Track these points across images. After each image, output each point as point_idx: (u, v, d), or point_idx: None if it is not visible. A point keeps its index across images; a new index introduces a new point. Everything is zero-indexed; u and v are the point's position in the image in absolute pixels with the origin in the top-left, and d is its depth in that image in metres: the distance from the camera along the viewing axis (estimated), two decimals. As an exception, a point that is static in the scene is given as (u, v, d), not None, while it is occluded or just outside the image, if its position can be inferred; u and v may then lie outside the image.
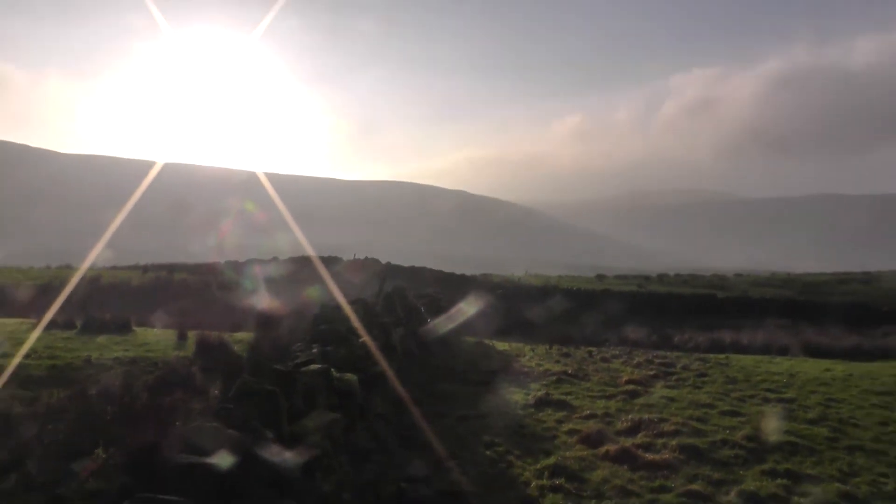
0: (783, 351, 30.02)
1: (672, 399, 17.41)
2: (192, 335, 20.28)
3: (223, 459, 6.14)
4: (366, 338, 14.47)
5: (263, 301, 37.09)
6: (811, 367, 23.12)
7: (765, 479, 11.57)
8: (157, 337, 21.44)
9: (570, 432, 14.08)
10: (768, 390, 18.89)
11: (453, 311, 26.77)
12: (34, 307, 27.11)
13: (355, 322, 15.69)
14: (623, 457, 12.39)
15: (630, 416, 15.28)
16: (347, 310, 16.85)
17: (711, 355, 26.27)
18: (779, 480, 11.47)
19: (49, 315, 21.43)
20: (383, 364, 14.03)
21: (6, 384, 12.24)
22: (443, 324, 25.01)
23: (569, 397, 17.25)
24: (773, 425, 14.78)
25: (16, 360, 14.84)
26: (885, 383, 20.21)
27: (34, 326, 21.26)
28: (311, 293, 35.20)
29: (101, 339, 19.97)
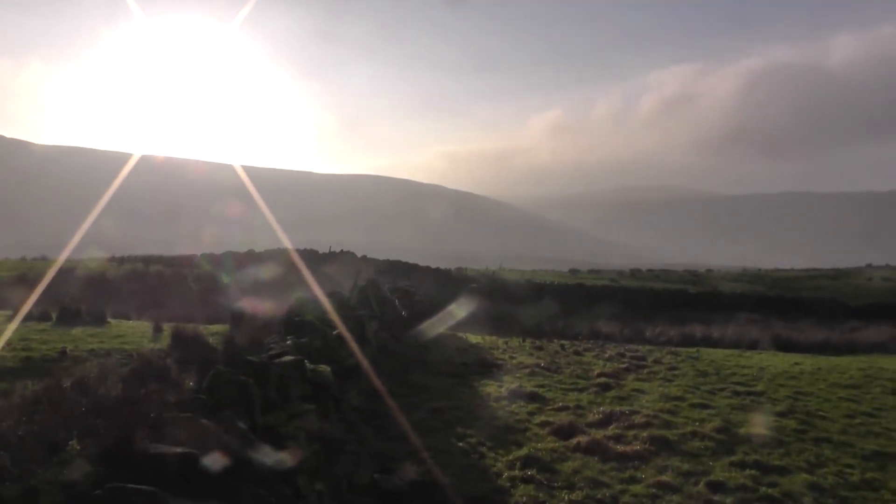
0: (753, 345, 30.33)
1: (643, 392, 17.61)
2: (167, 327, 20.30)
3: (197, 450, 6.22)
4: (341, 329, 14.55)
5: (239, 293, 37.05)
6: (780, 361, 23.40)
7: (733, 470, 11.78)
8: (132, 329, 21.42)
9: (542, 424, 14.24)
10: (738, 384, 19.13)
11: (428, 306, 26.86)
12: (9, 299, 26.99)
13: (331, 314, 15.76)
14: (594, 448, 12.56)
15: (601, 409, 15.47)
16: (323, 302, 16.92)
17: (682, 349, 26.51)
18: (747, 471, 11.69)
19: (25, 307, 21.36)
20: (358, 356, 14.12)
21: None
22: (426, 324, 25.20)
23: (541, 390, 17.41)
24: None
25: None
26: (852, 377, 20.51)
27: (9, 318, 21.18)
28: (288, 287, 35.18)
29: (77, 331, 19.94)
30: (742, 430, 14.18)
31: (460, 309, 27.75)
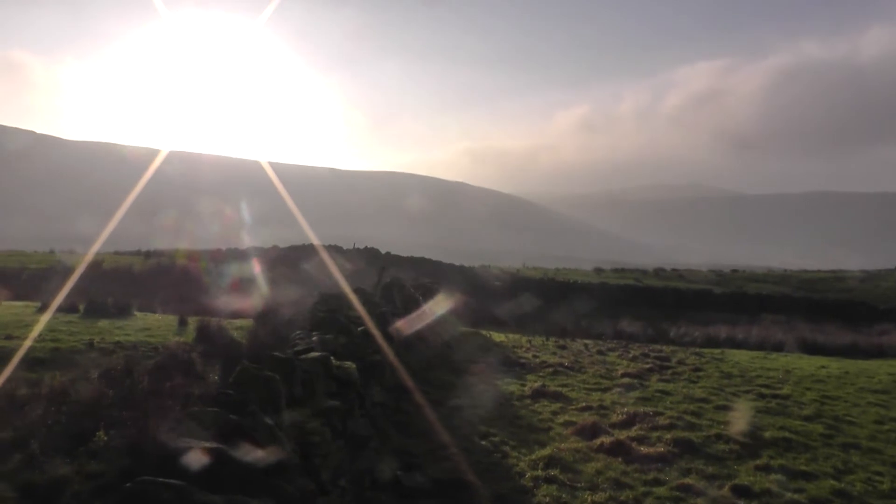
0: (778, 347, 30.11)
1: (667, 393, 17.54)
2: (192, 321, 20.44)
3: (223, 445, 6.25)
4: (366, 325, 14.58)
5: (262, 288, 37.20)
6: (807, 364, 23.23)
7: (759, 474, 11.65)
8: (157, 322, 21.57)
9: (566, 424, 14.21)
10: (763, 386, 19.01)
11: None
12: (38, 291, 27.27)
13: (356, 310, 15.80)
14: (617, 449, 12.49)
15: (625, 409, 15.39)
16: (349, 297, 16.96)
17: (707, 350, 26.40)
18: (773, 476, 11.55)
19: (55, 300, 21.58)
20: (383, 352, 14.15)
21: (12, 366, 12.36)
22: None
23: (565, 389, 17.39)
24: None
25: (21, 343, 15.00)
26: (881, 381, 20.32)
27: (39, 310, 21.41)
28: (313, 283, 35.28)
29: (103, 323, 20.11)
30: (767, 434, 14.07)
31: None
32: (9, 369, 11.97)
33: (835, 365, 23.21)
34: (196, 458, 6.01)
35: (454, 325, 26.35)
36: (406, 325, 19.12)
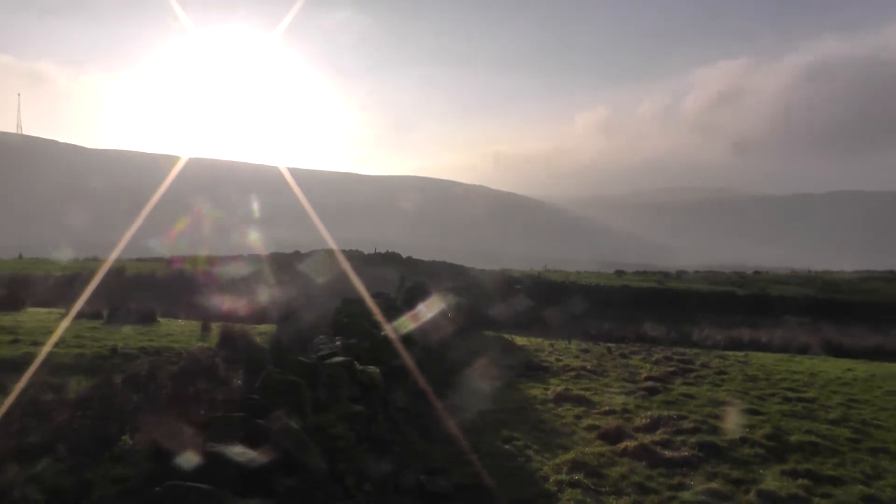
0: (803, 350, 29.85)
1: (691, 396, 17.43)
2: (215, 326, 20.53)
3: (250, 450, 6.27)
4: (387, 330, 14.58)
5: (284, 294, 37.31)
6: (832, 367, 23.02)
7: (785, 479, 11.53)
8: (181, 328, 21.69)
9: (589, 428, 14.15)
10: (789, 389, 18.84)
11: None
12: (62, 297, 27.48)
13: (378, 315, 15.81)
14: (642, 453, 12.42)
15: (649, 413, 15.31)
16: (370, 303, 16.98)
17: (731, 353, 26.24)
18: (799, 481, 11.41)
19: (77, 305, 21.74)
20: (405, 357, 14.15)
21: (37, 372, 12.46)
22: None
23: (588, 393, 17.32)
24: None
25: (46, 349, 15.11)
26: (908, 384, 20.09)
27: (63, 316, 21.57)
28: (334, 288, 35.35)
29: (127, 329, 20.25)
30: (793, 438, 13.95)
31: (504, 311, 27.63)
32: (34, 374, 12.07)
33: (861, 368, 22.99)
34: (222, 463, 6.03)
35: (475, 329, 26.31)
36: (427, 329, 19.13)
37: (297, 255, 65.24)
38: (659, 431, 14.00)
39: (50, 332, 17.60)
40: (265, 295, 36.11)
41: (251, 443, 6.39)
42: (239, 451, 6.28)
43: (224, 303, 32.01)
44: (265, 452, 6.28)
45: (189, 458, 6.29)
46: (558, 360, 22.33)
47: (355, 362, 10.11)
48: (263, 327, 21.78)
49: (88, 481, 7.91)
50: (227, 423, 6.67)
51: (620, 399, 16.88)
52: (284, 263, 57.98)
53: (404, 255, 66.71)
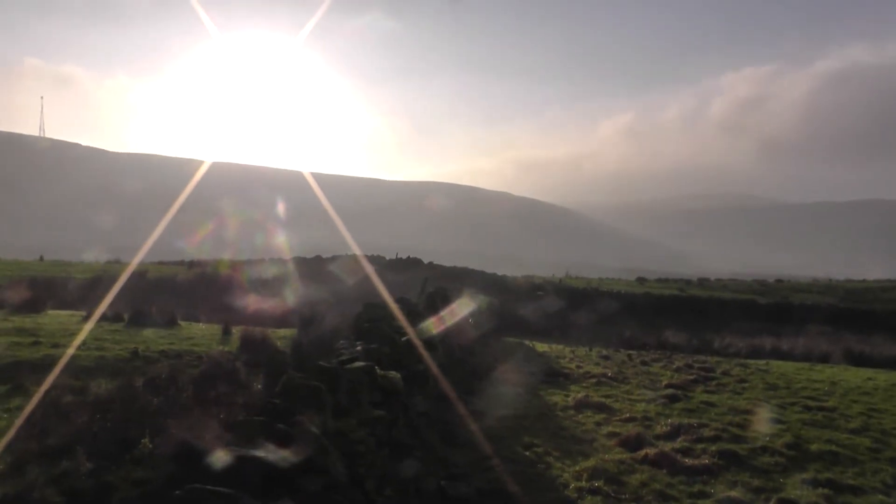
0: (824, 358, 29.58)
1: (712, 404, 17.35)
2: (236, 330, 20.60)
3: (271, 454, 6.28)
4: (410, 335, 14.59)
5: (306, 298, 37.40)
6: (853, 376, 22.84)
7: (805, 487, 11.47)
8: (202, 331, 21.78)
9: (610, 435, 14.12)
10: (809, 398, 18.71)
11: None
12: (84, 300, 27.66)
13: (400, 320, 15.83)
14: (662, 461, 12.38)
15: (670, 421, 15.27)
16: (392, 308, 17.00)
17: (752, 361, 26.07)
18: (820, 490, 11.36)
19: (99, 308, 21.86)
20: (426, 362, 14.15)
21: (57, 374, 12.53)
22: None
23: (608, 400, 17.27)
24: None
25: (66, 351, 15.21)
26: (930, 394, 19.90)
27: (84, 319, 21.70)
28: (357, 292, 35.42)
29: (148, 332, 20.34)
30: (813, 447, 13.86)
31: (526, 316, 27.62)
32: (55, 377, 12.15)
33: (882, 377, 22.79)
34: (243, 467, 6.04)
35: (496, 335, 26.29)
36: (449, 334, 19.13)
37: (320, 260, 65.42)
38: (679, 439, 13.96)
39: (71, 335, 17.72)
40: (287, 299, 36.20)
41: (271, 447, 6.40)
42: (267, 452, 6.30)
43: (245, 306, 32.11)
44: (285, 457, 6.30)
45: (215, 460, 6.31)
46: (579, 366, 22.27)
47: (376, 367, 10.11)
48: (284, 331, 21.82)
49: (109, 484, 7.95)
50: (247, 427, 6.69)
51: (641, 406, 16.83)
52: (307, 267, 58.13)
53: (426, 261, 66.72)
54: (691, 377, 21.10)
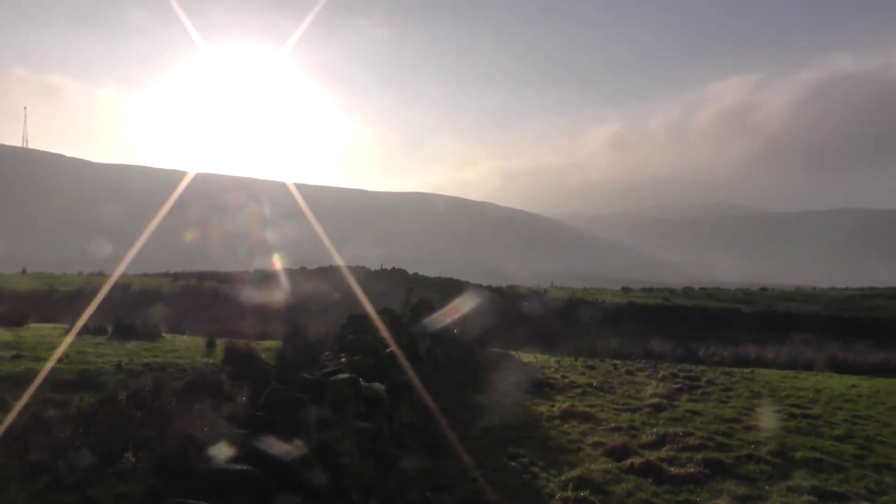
0: (809, 366, 29.72)
1: (697, 413, 17.37)
2: (220, 343, 20.49)
3: (252, 466, 6.24)
4: (394, 347, 14.56)
5: (290, 310, 37.30)
6: (837, 383, 22.93)
7: (791, 495, 11.52)
8: (186, 344, 21.65)
9: (595, 445, 14.11)
10: (794, 405, 18.78)
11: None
12: (67, 313, 27.46)
13: (383, 332, 15.79)
14: (648, 470, 12.40)
15: (655, 430, 15.28)
16: (375, 319, 16.96)
17: (737, 369, 26.13)
18: (805, 497, 11.42)
19: (81, 321, 21.70)
20: (410, 373, 14.12)
21: (39, 387, 12.43)
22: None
23: (594, 409, 17.26)
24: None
25: (48, 365, 15.08)
26: (912, 401, 20.00)
27: (66, 332, 21.53)
28: (340, 305, 35.37)
29: (131, 345, 20.20)
30: (798, 454, 13.89)
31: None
32: (37, 390, 12.05)
33: (865, 384, 22.90)
34: (228, 480, 6.00)
35: (482, 345, 26.26)
36: (434, 345, 19.10)
37: (304, 271, 65.30)
38: (665, 448, 13.97)
39: (53, 348, 17.56)
40: (271, 310, 36.09)
41: (254, 460, 6.37)
42: (241, 469, 6.26)
43: (230, 318, 31.99)
44: (267, 470, 6.26)
45: (198, 474, 6.27)
46: (564, 376, 22.25)
47: (360, 379, 10.08)
48: (269, 343, 21.74)
49: (91, 498, 7.88)
50: (230, 440, 6.65)
51: (626, 416, 16.84)
52: (291, 279, 57.96)
53: (410, 272, 66.68)
54: (676, 386, 21.13)
